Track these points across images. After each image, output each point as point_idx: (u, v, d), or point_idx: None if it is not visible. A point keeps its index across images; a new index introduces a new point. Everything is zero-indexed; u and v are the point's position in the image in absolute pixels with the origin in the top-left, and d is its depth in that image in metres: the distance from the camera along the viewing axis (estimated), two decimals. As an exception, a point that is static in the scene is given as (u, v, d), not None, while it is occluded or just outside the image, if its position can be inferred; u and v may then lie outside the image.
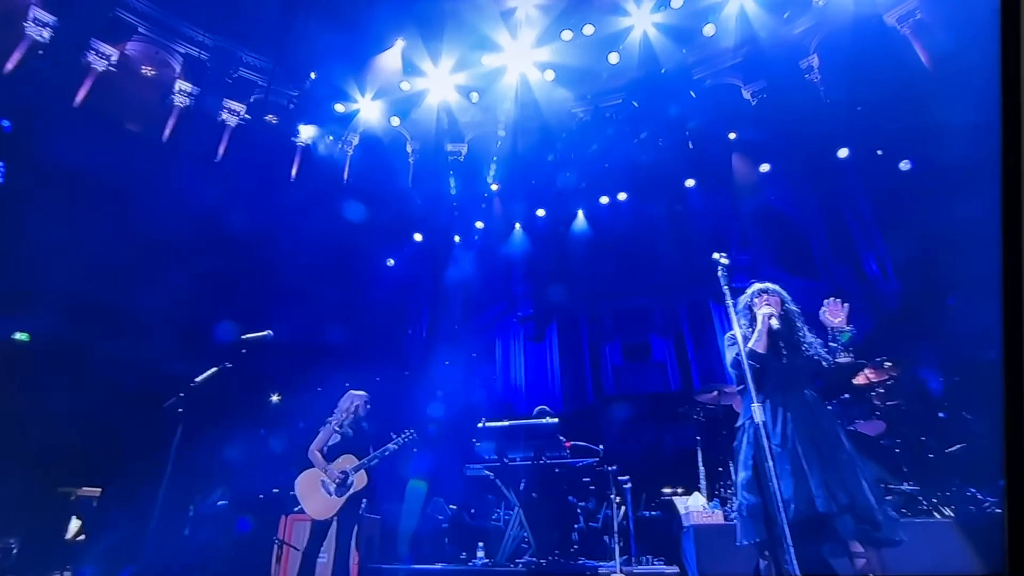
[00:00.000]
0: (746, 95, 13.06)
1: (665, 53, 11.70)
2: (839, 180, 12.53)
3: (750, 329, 4.45)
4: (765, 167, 11.85)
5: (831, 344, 4.29)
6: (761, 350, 4.26)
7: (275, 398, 13.21)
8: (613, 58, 11.46)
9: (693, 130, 12.21)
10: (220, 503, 9.98)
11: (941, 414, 7.36)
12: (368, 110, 12.70)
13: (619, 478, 8.91)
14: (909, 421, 7.14)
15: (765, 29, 12.06)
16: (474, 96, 12.01)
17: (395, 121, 12.63)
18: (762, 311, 4.40)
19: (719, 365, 12.42)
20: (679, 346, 12.88)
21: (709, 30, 11.34)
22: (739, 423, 4.34)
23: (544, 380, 13.23)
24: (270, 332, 7.03)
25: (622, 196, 12.42)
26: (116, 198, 12.16)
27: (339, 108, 12.52)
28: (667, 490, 9.32)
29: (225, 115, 13.63)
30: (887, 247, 12.23)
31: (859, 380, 7.31)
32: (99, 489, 9.30)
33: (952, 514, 5.77)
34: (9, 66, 12.31)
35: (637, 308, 13.24)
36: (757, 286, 4.84)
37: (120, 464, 9.44)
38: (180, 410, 5.58)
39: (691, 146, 12.13)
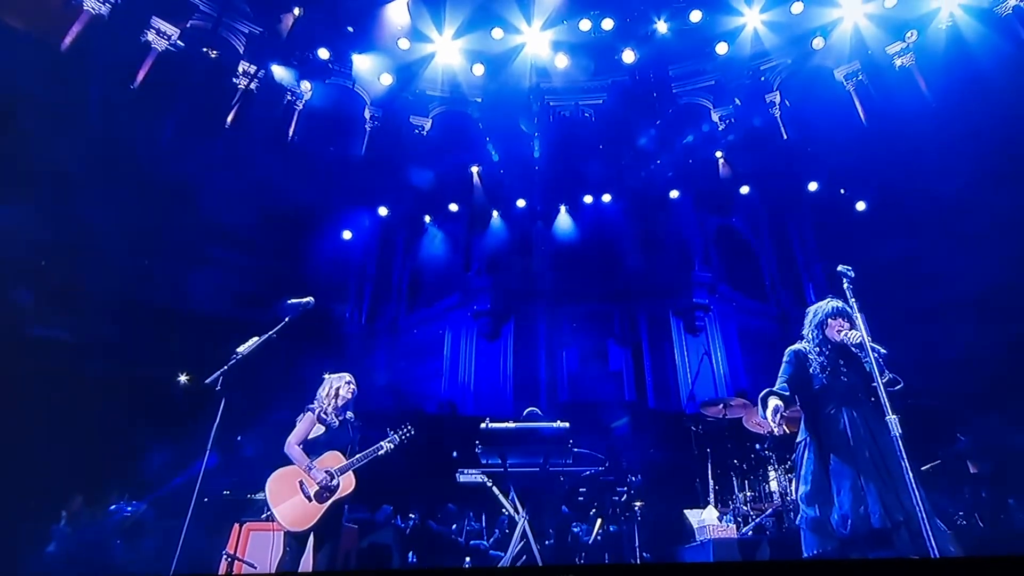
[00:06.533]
0: (714, 117, 13.40)
1: (666, 62, 11.63)
2: (792, 211, 13.29)
3: (816, 347, 4.49)
4: (745, 189, 12.15)
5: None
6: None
7: (184, 378, 11.11)
8: (628, 56, 10.98)
9: (685, 144, 12.21)
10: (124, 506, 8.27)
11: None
12: (358, 63, 11.03)
13: (618, 488, 8.59)
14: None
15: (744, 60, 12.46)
16: (477, 68, 10.87)
17: (386, 79, 11.06)
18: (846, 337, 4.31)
19: (673, 378, 12.47)
20: (636, 356, 12.74)
21: (722, 48, 11.32)
22: (800, 438, 4.44)
23: (495, 381, 12.42)
24: (311, 299, 6.00)
25: (606, 198, 12.06)
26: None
27: (323, 54, 10.70)
28: (637, 504, 9.13)
29: (152, 36, 11.25)
30: (825, 278, 13.10)
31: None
32: None
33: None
34: None
35: (598, 313, 12.90)
36: (832, 304, 4.64)
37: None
38: (218, 388, 4.75)
39: (691, 161, 12.11)
